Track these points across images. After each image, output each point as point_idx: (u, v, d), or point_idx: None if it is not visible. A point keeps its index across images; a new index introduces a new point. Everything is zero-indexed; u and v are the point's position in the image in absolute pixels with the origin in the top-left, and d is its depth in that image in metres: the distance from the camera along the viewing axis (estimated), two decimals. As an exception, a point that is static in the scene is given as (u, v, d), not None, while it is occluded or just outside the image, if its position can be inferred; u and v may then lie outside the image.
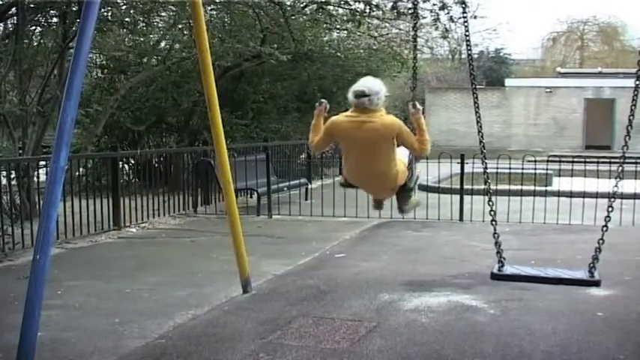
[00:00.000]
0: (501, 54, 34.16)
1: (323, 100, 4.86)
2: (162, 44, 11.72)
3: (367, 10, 11.38)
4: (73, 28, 9.01)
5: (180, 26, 11.20)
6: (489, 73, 31.72)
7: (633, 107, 3.99)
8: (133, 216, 8.81)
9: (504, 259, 4.48)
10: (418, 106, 4.61)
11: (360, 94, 4.46)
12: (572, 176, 10.00)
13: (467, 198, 9.03)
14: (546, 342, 4.07)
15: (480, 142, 4.63)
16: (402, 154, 4.75)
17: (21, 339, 3.17)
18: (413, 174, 4.92)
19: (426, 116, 31.38)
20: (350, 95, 4.54)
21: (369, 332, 4.25)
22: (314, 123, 4.79)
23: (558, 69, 32.06)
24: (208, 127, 5.60)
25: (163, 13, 11.61)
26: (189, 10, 3.56)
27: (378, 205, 5.40)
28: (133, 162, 11.97)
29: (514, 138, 25.61)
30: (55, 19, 10.13)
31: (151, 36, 11.79)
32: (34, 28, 10.38)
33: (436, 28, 12.20)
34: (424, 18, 11.19)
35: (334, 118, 4.65)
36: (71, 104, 3.20)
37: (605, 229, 4.15)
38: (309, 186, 11.78)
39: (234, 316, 4.68)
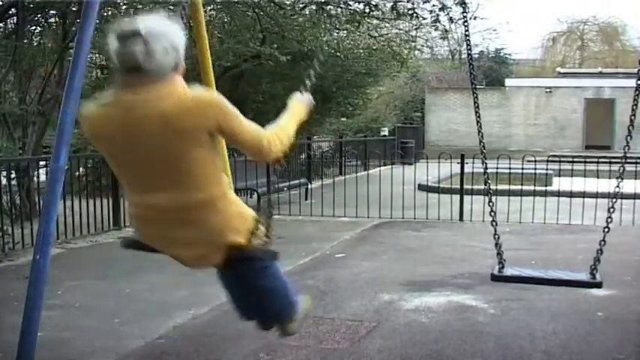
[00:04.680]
0: (501, 54, 34.25)
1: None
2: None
3: (367, 11, 11.37)
4: (73, 28, 9.00)
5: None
6: (489, 73, 31.78)
7: (634, 107, 3.98)
8: (133, 216, 8.79)
9: (505, 260, 4.46)
10: (306, 94, 3.00)
11: (127, 36, 2.26)
12: (572, 176, 10.00)
13: (467, 198, 9.03)
14: (546, 342, 4.07)
15: (480, 142, 4.62)
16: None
17: (21, 339, 3.16)
18: (268, 236, 2.69)
19: (426, 116, 31.27)
20: (111, 49, 2.33)
21: (369, 332, 4.25)
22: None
23: (558, 69, 32.13)
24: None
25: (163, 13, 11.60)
26: (189, 10, 3.55)
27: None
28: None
29: (514, 138, 25.64)
30: (55, 19, 10.13)
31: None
32: (34, 28, 10.38)
33: (436, 29, 12.21)
34: (424, 19, 11.19)
35: (82, 110, 2.55)
36: (71, 104, 3.20)
37: (606, 230, 4.13)
38: (309, 186, 11.78)
39: (234, 316, 4.65)
